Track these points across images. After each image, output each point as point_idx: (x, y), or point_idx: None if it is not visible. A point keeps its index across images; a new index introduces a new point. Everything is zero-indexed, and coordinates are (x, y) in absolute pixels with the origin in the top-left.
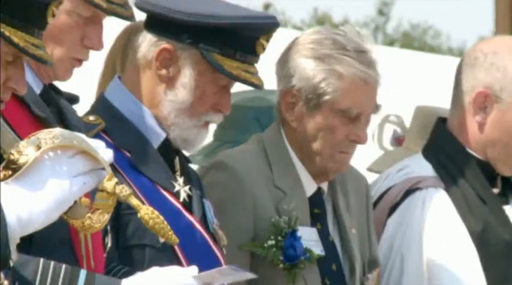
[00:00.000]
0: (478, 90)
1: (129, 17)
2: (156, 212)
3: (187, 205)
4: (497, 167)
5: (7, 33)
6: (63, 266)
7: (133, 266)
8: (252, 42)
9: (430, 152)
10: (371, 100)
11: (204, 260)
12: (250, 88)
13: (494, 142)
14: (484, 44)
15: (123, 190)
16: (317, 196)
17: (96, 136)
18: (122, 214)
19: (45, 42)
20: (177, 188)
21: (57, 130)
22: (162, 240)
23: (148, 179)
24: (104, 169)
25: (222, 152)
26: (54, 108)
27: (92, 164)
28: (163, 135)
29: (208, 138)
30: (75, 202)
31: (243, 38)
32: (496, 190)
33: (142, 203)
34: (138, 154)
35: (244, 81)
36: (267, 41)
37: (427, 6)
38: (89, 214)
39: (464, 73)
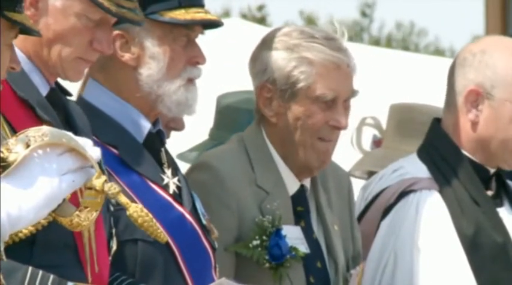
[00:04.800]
0: (469, 88)
1: (139, 22)
2: (145, 210)
3: (177, 197)
4: (496, 164)
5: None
6: (51, 276)
7: (125, 261)
8: None
9: (424, 153)
10: (345, 84)
11: (195, 251)
12: (245, 88)
13: (489, 139)
14: (473, 44)
15: (112, 188)
16: (300, 193)
17: None
18: (112, 210)
19: (54, 42)
20: (166, 180)
21: (46, 128)
22: None
23: (137, 174)
24: (92, 167)
25: (204, 153)
26: (61, 111)
27: (80, 162)
28: (148, 127)
29: (204, 136)
30: (64, 199)
31: None
32: (489, 192)
33: (132, 199)
34: (125, 149)
35: (201, 21)
36: None
37: (412, 6)
38: (77, 212)
39: (455, 74)
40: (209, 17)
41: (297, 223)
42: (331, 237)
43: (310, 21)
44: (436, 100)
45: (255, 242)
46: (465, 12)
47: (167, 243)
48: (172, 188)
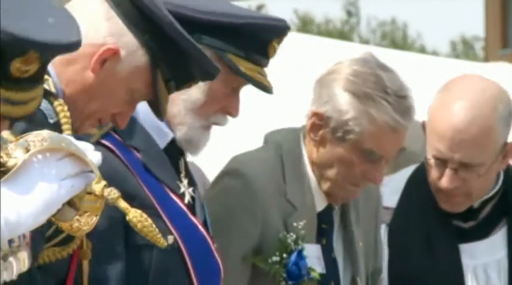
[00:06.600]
0: None
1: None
2: (145, 215)
3: (191, 207)
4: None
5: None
6: None
7: (140, 265)
8: (265, 44)
9: (410, 178)
10: (396, 147)
11: (206, 263)
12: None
13: None
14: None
15: (112, 193)
16: (327, 210)
17: (106, 135)
18: None
19: (95, 99)
20: (182, 189)
21: (46, 133)
22: (170, 241)
23: (156, 179)
24: (92, 171)
25: (237, 157)
26: None
27: (80, 166)
28: (171, 136)
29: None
30: (63, 204)
31: (257, 40)
32: (468, 224)
33: (152, 203)
34: (147, 153)
35: (258, 83)
36: (279, 44)
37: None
38: (77, 217)
39: None
40: (265, 82)
41: (318, 240)
42: (356, 255)
43: (305, 20)
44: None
45: (275, 258)
46: (460, 12)
47: (181, 251)
48: (187, 198)
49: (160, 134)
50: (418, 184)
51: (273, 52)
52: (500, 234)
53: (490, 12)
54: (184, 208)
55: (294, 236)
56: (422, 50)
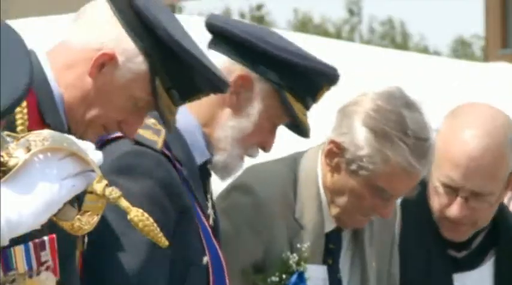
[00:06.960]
0: None
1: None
2: (146, 215)
3: (213, 230)
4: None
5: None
6: None
7: (175, 281)
8: (317, 88)
9: (405, 198)
10: (407, 188)
11: (221, 284)
12: None
13: None
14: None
15: (113, 192)
16: (336, 231)
17: None
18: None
19: (94, 107)
20: (209, 210)
21: (47, 132)
22: (205, 261)
23: (192, 195)
24: (93, 171)
25: (251, 168)
26: None
27: (81, 166)
28: (208, 156)
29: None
30: (65, 203)
31: (313, 83)
32: (461, 254)
33: (195, 220)
34: (187, 168)
35: (304, 127)
36: (326, 91)
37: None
38: (79, 216)
39: None
40: (307, 126)
41: (325, 261)
42: (367, 274)
43: (304, 21)
44: (433, 99)
45: (274, 278)
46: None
47: (208, 269)
48: (211, 220)
49: (199, 152)
50: (415, 207)
51: (320, 98)
52: (488, 264)
53: (490, 12)
54: (209, 230)
55: (297, 257)
56: (424, 51)
